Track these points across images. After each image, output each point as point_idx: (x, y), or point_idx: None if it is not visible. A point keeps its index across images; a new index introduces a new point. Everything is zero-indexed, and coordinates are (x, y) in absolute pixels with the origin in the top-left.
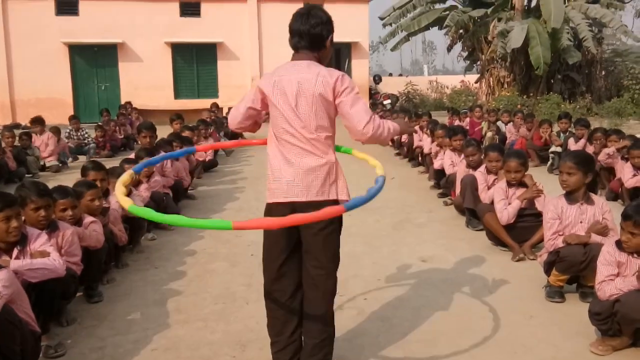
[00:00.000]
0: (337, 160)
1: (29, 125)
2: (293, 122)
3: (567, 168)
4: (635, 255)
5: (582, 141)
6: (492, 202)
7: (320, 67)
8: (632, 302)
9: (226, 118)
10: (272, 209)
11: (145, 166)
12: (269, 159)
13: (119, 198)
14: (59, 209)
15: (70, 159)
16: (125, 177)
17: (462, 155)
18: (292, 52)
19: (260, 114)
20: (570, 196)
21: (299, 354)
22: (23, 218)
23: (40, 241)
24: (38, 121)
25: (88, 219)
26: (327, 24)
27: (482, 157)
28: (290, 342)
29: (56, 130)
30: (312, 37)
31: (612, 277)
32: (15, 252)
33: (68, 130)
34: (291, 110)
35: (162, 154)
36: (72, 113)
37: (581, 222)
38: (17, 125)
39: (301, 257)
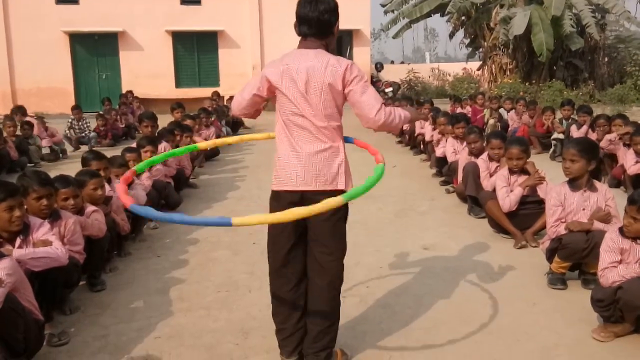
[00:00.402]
0: (344, 150)
1: (30, 114)
2: (304, 110)
3: (570, 155)
4: (638, 241)
5: (584, 128)
6: (494, 190)
7: (329, 56)
8: (635, 289)
9: (227, 107)
10: (280, 196)
11: (149, 165)
12: (277, 147)
13: (121, 196)
14: (61, 198)
15: (72, 149)
16: (128, 174)
17: (465, 143)
18: (293, 40)
19: (264, 101)
20: (574, 183)
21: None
22: (25, 207)
23: (42, 230)
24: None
25: (90, 208)
26: (335, 10)
27: (484, 145)
28: (297, 329)
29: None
30: (321, 23)
31: (615, 264)
32: (18, 241)
33: (70, 120)
34: (302, 98)
35: (164, 144)
36: (73, 102)
37: (584, 209)
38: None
39: (306, 246)
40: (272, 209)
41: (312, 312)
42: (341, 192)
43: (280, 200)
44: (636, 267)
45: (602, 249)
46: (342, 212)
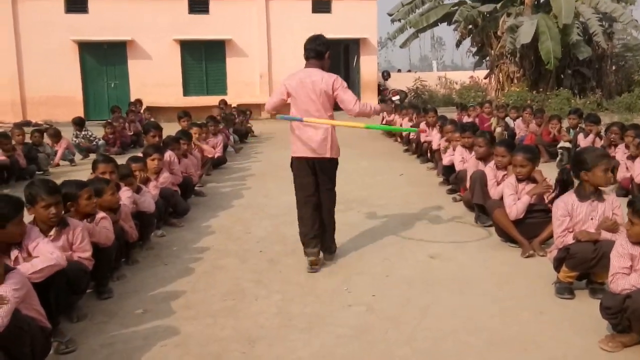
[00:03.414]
0: (334, 131)
1: (40, 122)
2: (310, 108)
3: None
4: None
5: (591, 136)
6: (501, 198)
7: (324, 73)
8: None
9: (233, 114)
10: (300, 161)
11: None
12: (292, 130)
13: None
14: (84, 198)
15: (81, 157)
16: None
17: (472, 152)
18: (298, 48)
19: (285, 102)
20: (581, 193)
21: (320, 239)
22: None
23: (33, 235)
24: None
25: (99, 214)
26: (326, 44)
27: (490, 150)
28: (316, 232)
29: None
30: (317, 51)
31: (625, 269)
32: (14, 252)
33: (74, 133)
34: (309, 100)
35: (169, 152)
36: (82, 110)
37: (592, 219)
38: (27, 123)
39: (318, 185)
40: (296, 171)
41: (326, 222)
42: (332, 159)
43: (301, 163)
44: None
45: (612, 254)
46: (335, 162)
